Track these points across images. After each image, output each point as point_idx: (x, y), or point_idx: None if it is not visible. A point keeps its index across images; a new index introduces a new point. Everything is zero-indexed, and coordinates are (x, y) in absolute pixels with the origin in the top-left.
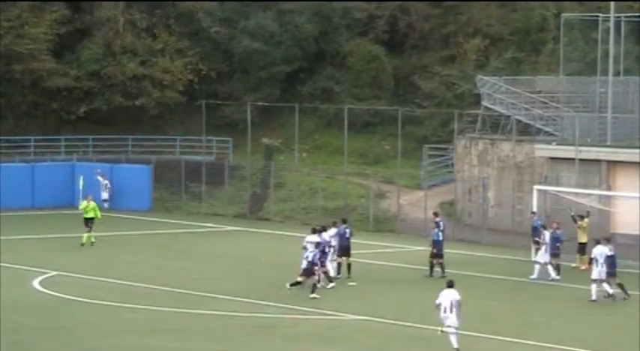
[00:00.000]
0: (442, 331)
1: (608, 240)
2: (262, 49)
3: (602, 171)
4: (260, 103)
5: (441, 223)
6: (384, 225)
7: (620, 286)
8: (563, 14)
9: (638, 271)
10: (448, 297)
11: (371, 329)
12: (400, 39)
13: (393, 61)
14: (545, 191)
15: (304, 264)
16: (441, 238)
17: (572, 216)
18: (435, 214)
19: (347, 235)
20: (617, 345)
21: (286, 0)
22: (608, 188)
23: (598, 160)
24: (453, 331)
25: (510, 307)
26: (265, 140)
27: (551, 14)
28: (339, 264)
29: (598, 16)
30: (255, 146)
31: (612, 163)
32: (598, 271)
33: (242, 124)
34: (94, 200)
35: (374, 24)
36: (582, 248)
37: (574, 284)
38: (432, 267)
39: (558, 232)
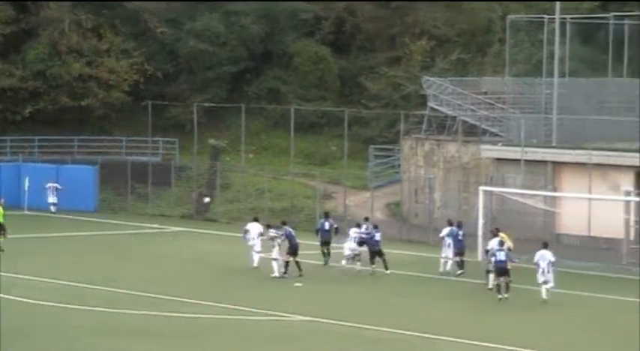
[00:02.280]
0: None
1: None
2: (208, 49)
3: (547, 172)
4: (206, 104)
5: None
6: None
7: (506, 285)
8: (509, 16)
9: (583, 272)
10: (545, 257)
11: (320, 330)
12: (346, 40)
13: (339, 62)
14: (491, 192)
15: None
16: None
17: (492, 231)
18: (366, 219)
19: (293, 234)
20: (568, 345)
21: (237, 0)
22: (554, 189)
23: (544, 161)
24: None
25: (459, 307)
26: (212, 141)
27: (498, 16)
28: (288, 263)
29: (544, 18)
30: (202, 147)
31: (558, 164)
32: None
33: (188, 124)
34: (2, 206)
35: (320, 25)
36: None
37: (525, 285)
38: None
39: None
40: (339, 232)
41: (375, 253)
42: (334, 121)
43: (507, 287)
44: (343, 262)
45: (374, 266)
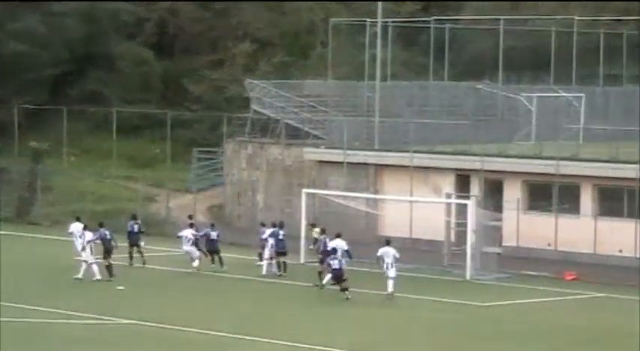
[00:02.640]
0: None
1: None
2: (29, 51)
3: (369, 174)
4: (27, 106)
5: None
6: (154, 228)
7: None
8: (331, 19)
9: (404, 274)
10: (389, 253)
11: (140, 333)
12: (169, 42)
13: (162, 65)
14: (313, 194)
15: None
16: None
17: (312, 224)
18: (190, 217)
19: (108, 237)
20: (379, 344)
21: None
22: (376, 191)
23: (366, 164)
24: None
25: (281, 309)
26: (33, 143)
27: (320, 18)
28: (108, 266)
29: (366, 21)
30: (23, 149)
31: (380, 167)
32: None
33: (9, 127)
34: None
35: (143, 27)
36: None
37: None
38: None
39: (322, 237)
40: (144, 233)
41: (213, 252)
42: (157, 123)
43: (346, 290)
44: (195, 263)
45: (213, 265)
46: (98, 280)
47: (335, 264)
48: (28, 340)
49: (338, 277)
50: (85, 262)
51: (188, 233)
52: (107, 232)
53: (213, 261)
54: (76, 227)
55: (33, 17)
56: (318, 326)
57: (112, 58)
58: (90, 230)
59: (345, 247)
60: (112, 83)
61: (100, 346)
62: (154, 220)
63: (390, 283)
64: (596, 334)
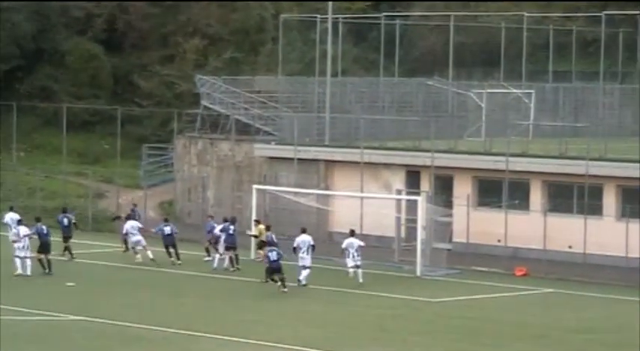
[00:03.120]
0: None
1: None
2: None
3: (320, 170)
4: None
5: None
6: (104, 225)
7: (282, 281)
8: (282, 15)
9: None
10: (354, 244)
11: (90, 329)
12: (119, 38)
13: (112, 60)
14: (264, 191)
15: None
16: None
17: (257, 221)
18: (135, 205)
19: (45, 232)
20: (329, 340)
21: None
22: (326, 188)
23: (316, 160)
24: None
25: (231, 305)
26: None
27: (270, 15)
28: (41, 260)
29: (316, 17)
30: None
31: (330, 163)
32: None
33: None
34: None
35: (93, 23)
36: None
37: (315, 285)
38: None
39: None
40: (79, 227)
41: (170, 246)
42: (107, 119)
43: (283, 283)
44: (148, 253)
45: (172, 259)
46: (19, 275)
47: (273, 256)
48: None
49: (275, 269)
50: (25, 257)
51: (132, 225)
52: (44, 227)
53: (170, 256)
54: (10, 217)
55: None
56: (268, 322)
57: (62, 54)
58: (26, 225)
59: (312, 242)
60: (62, 79)
61: (49, 343)
62: (104, 216)
63: (358, 273)
64: (545, 329)
